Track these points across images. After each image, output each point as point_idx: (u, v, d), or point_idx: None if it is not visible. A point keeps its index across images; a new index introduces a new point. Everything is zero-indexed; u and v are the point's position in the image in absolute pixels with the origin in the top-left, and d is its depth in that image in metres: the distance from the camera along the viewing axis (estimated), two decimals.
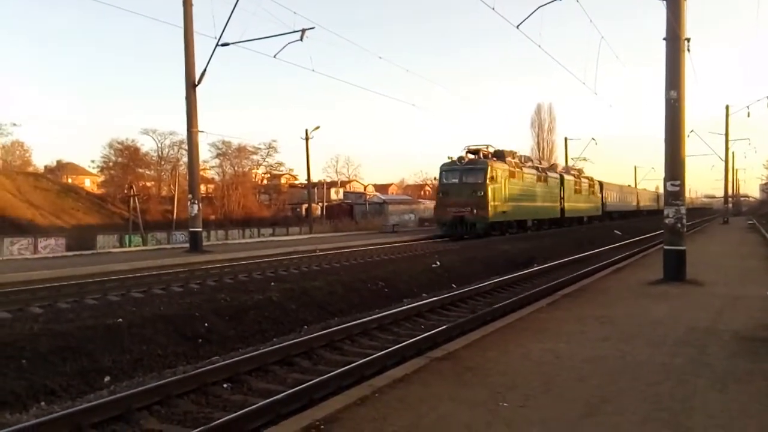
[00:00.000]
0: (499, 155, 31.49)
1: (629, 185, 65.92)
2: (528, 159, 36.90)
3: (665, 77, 11.01)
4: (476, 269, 16.40)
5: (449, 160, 30.08)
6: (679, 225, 10.97)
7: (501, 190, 29.24)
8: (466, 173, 28.95)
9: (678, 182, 10.97)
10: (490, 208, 27.86)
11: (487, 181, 28.14)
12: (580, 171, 46.53)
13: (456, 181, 29.22)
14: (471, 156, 30.16)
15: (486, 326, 7.54)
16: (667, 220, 11.08)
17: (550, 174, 37.26)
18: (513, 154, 33.41)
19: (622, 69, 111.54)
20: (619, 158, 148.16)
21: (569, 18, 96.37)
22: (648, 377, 5.04)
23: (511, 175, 30.74)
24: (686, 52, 11.07)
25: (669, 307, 8.56)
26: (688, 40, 11.09)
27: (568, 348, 6.12)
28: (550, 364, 5.48)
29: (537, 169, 35.87)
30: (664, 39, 11.05)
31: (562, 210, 38.60)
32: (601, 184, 49.27)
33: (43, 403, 6.10)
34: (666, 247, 11.28)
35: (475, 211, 27.65)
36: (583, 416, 4.13)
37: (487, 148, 31.05)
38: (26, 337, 7.19)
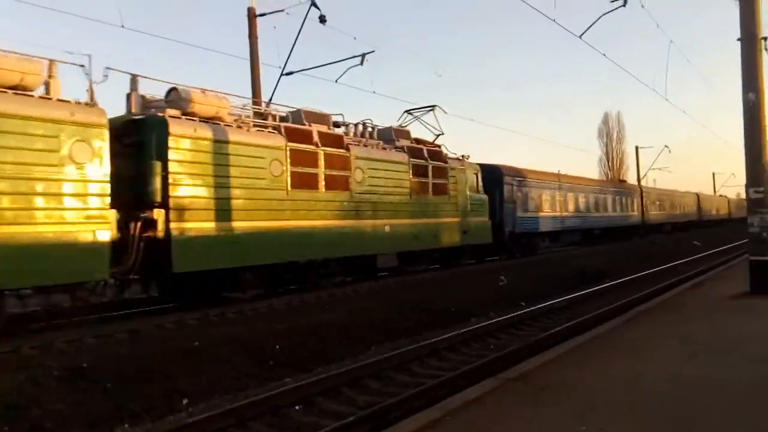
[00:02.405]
0: None
1: (625, 181, 41.00)
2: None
3: (742, 79, 10.49)
4: None
5: None
6: (765, 234, 10.32)
7: None
8: None
9: (761, 189, 10.35)
10: None
11: None
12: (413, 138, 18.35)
13: None
14: None
15: (560, 345, 7.30)
16: (751, 229, 10.45)
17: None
18: None
19: (694, 73, 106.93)
20: (697, 166, 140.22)
21: (634, 24, 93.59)
22: (740, 397, 4.72)
23: None
24: (763, 51, 10.53)
25: (759, 321, 8.01)
26: (765, 39, 10.55)
27: (650, 367, 5.82)
28: (631, 384, 5.23)
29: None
30: (738, 39, 10.55)
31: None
32: (497, 171, 23.12)
33: (126, 425, 6.35)
34: (752, 257, 10.61)
35: None
36: None
37: None
38: (112, 361, 7.57)
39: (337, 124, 15.40)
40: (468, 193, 19.62)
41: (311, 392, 6.63)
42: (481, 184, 20.72)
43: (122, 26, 14.64)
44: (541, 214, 25.79)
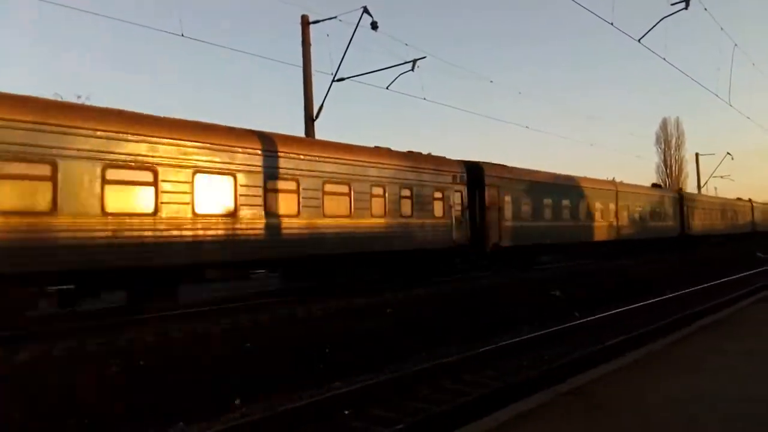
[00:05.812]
0: None
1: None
2: None
3: None
4: None
5: None
6: None
7: None
8: None
9: None
10: None
11: None
12: None
13: None
14: None
15: (616, 360, 7.07)
16: None
17: None
18: None
19: (760, 77, 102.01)
20: (763, 174, 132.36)
21: (696, 26, 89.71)
22: None
23: None
24: None
25: None
26: None
27: (713, 385, 5.55)
28: (692, 404, 5.00)
29: None
30: None
31: None
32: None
33: (181, 424, 6.53)
34: None
35: None
36: None
37: None
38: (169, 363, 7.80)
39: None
40: None
41: None
42: None
43: (182, 35, 15.12)
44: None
